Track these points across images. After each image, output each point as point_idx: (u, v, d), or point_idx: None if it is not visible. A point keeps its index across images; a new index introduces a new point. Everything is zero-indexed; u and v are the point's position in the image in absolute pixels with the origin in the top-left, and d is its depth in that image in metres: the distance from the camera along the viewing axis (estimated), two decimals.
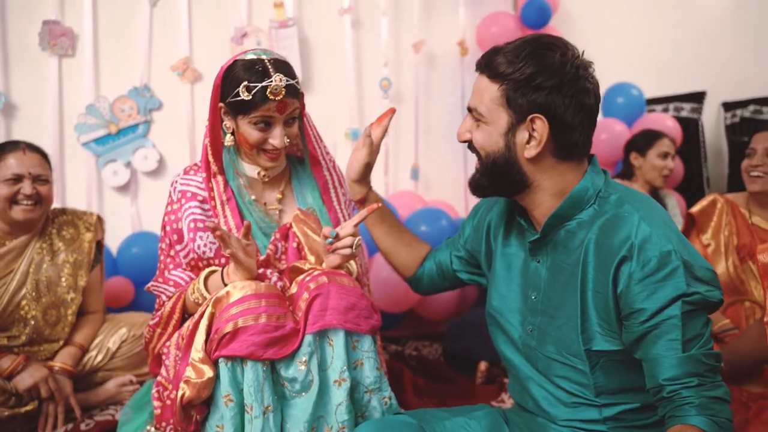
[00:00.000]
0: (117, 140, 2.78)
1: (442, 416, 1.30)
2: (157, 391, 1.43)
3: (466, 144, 1.25)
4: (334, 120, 2.95)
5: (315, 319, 1.32)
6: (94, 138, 2.75)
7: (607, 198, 1.19)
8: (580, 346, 1.17)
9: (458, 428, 1.28)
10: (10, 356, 1.87)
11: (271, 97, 1.43)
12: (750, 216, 2.14)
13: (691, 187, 3.28)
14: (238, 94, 1.44)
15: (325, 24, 3.02)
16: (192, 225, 1.53)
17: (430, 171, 3.21)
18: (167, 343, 1.47)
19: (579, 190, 1.19)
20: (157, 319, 1.55)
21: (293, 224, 1.54)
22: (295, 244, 1.53)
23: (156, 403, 1.43)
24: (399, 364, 2.31)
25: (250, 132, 1.48)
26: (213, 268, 1.51)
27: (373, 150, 1.51)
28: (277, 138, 1.48)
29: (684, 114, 3.44)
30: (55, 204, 2.55)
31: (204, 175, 1.58)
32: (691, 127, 3.37)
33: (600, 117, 3.17)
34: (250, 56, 1.47)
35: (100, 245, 2.10)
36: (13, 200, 1.87)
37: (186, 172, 1.61)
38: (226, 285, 1.40)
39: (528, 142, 1.16)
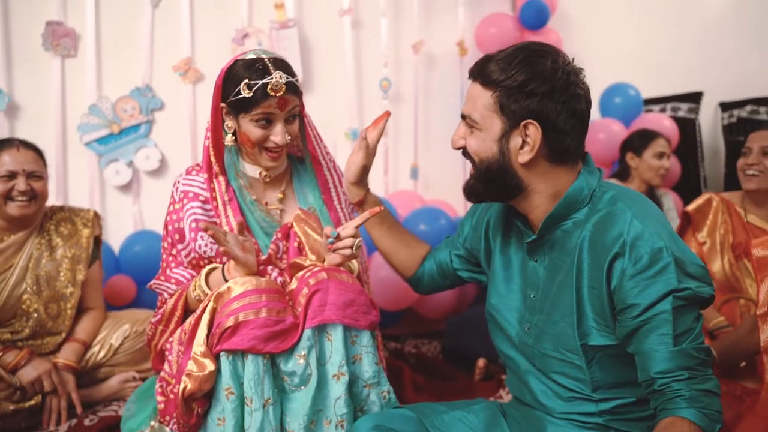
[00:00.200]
0: (119, 140, 2.80)
1: (441, 410, 1.32)
2: (161, 386, 1.46)
3: (461, 151, 1.26)
4: (334, 120, 2.96)
5: (314, 314, 1.34)
6: (97, 138, 2.77)
7: (601, 196, 1.21)
8: (576, 341, 1.19)
9: (456, 422, 1.29)
10: (14, 351, 1.90)
11: (272, 93, 1.44)
12: (745, 214, 2.16)
13: (688, 187, 3.29)
14: (239, 93, 1.45)
15: (326, 25, 3.03)
16: (193, 225, 1.55)
17: (429, 171, 3.22)
18: (170, 339, 1.49)
19: (574, 190, 1.21)
20: (159, 316, 1.57)
21: (294, 224, 1.55)
22: (296, 244, 1.54)
23: (160, 398, 1.45)
24: (398, 361, 2.32)
25: (252, 130, 1.50)
26: (214, 265, 1.53)
27: (370, 153, 1.52)
28: (278, 135, 1.50)
29: (681, 114, 3.44)
30: (58, 203, 2.59)
31: (206, 175, 1.59)
32: (688, 127, 3.38)
33: (597, 117, 3.22)
34: (251, 56, 1.49)
35: (98, 241, 2.12)
36: (7, 197, 1.90)
37: (188, 173, 1.62)
38: (227, 281, 1.41)
39: (521, 147, 1.18)
